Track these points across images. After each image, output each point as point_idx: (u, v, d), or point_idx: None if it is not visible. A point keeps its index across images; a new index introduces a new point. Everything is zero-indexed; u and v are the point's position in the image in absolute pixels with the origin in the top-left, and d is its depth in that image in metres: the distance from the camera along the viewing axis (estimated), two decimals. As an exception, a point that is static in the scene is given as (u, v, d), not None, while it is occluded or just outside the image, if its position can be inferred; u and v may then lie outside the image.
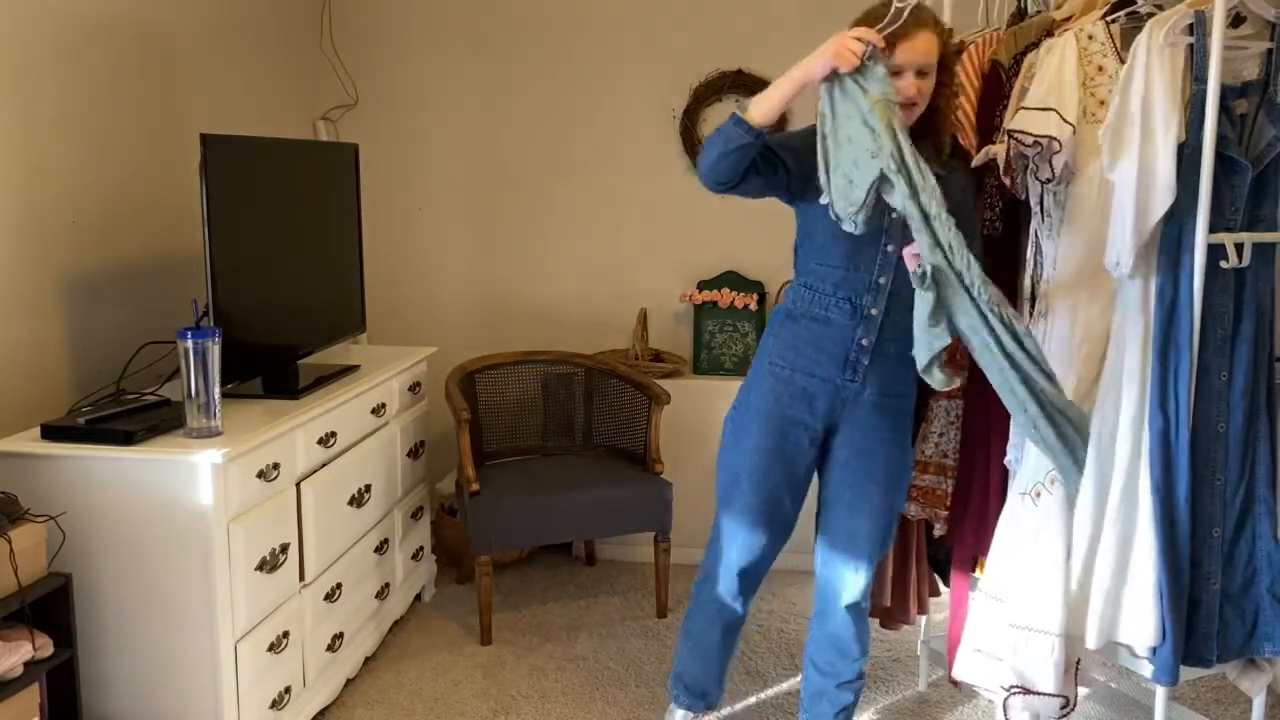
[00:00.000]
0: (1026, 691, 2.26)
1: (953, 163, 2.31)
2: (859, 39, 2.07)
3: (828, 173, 2.15)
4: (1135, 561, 2.18)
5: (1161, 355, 2.15)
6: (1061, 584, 2.22)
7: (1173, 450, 2.14)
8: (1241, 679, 2.32)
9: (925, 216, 2.06)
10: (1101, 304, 2.25)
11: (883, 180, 2.08)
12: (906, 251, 2.16)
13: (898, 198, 2.08)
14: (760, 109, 2.13)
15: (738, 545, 2.44)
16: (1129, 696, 2.88)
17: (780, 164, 2.25)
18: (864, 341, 2.31)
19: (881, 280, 2.28)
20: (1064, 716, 2.30)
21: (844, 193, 2.13)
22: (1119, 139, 2.10)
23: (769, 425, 2.37)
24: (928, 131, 2.26)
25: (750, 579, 2.49)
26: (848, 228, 2.16)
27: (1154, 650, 2.17)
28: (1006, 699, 2.30)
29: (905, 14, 2.12)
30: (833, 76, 2.11)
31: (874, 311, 2.30)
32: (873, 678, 3.06)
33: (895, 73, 2.16)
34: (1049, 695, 2.25)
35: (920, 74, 2.18)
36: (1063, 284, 2.28)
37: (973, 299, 2.07)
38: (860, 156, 2.09)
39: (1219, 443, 2.18)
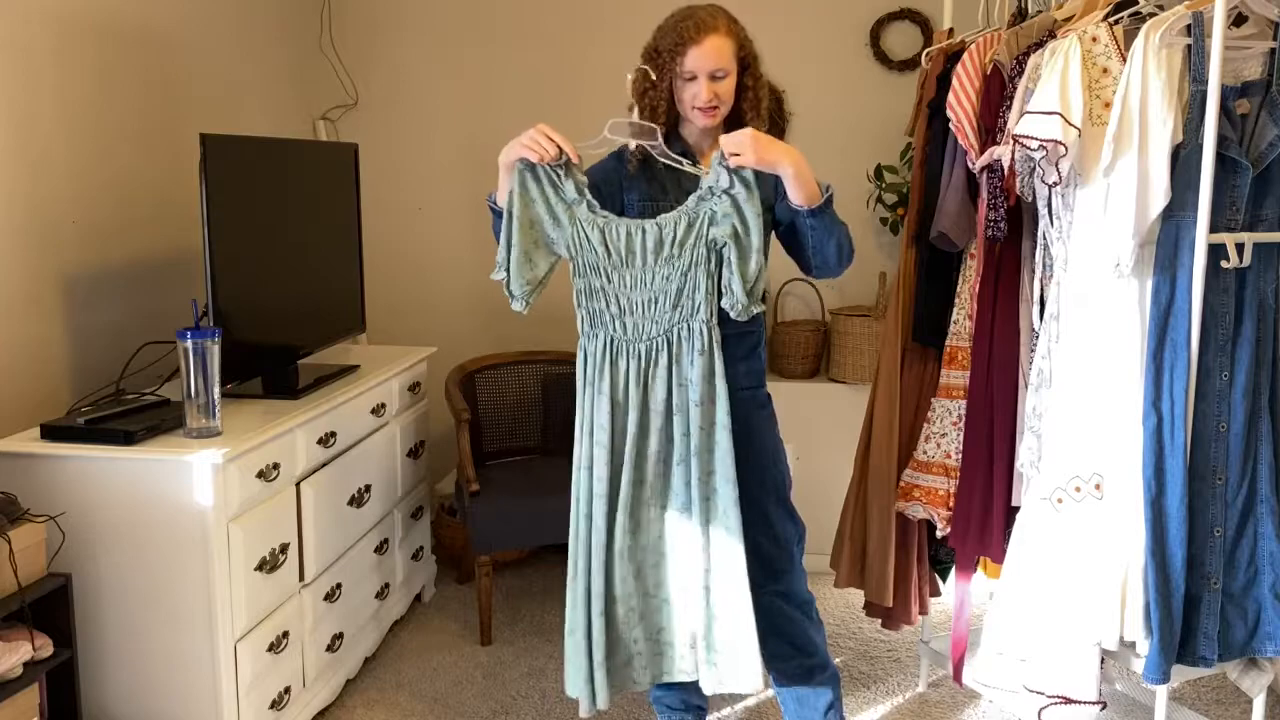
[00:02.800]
0: (1068, 701, 2.27)
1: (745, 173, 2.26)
2: (554, 142, 2.19)
3: (508, 249, 2.26)
4: (1131, 559, 2.18)
5: (1156, 355, 2.15)
6: (1098, 592, 2.21)
7: (1165, 449, 2.14)
8: (1242, 679, 2.32)
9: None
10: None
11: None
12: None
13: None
14: (502, 194, 2.29)
15: None
16: (1129, 696, 2.88)
17: None
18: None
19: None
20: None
21: (520, 270, 2.26)
22: (1117, 140, 2.11)
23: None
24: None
25: None
26: (517, 307, 2.29)
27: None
28: (1043, 709, 2.30)
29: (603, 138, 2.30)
30: (526, 162, 2.23)
31: None
32: (872, 677, 3.06)
33: (689, 78, 2.25)
34: (1090, 704, 2.26)
35: (714, 78, 2.23)
36: (1075, 287, 2.27)
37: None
38: (542, 238, 2.27)
39: (1220, 443, 2.18)
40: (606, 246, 2.23)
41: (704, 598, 2.27)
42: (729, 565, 2.26)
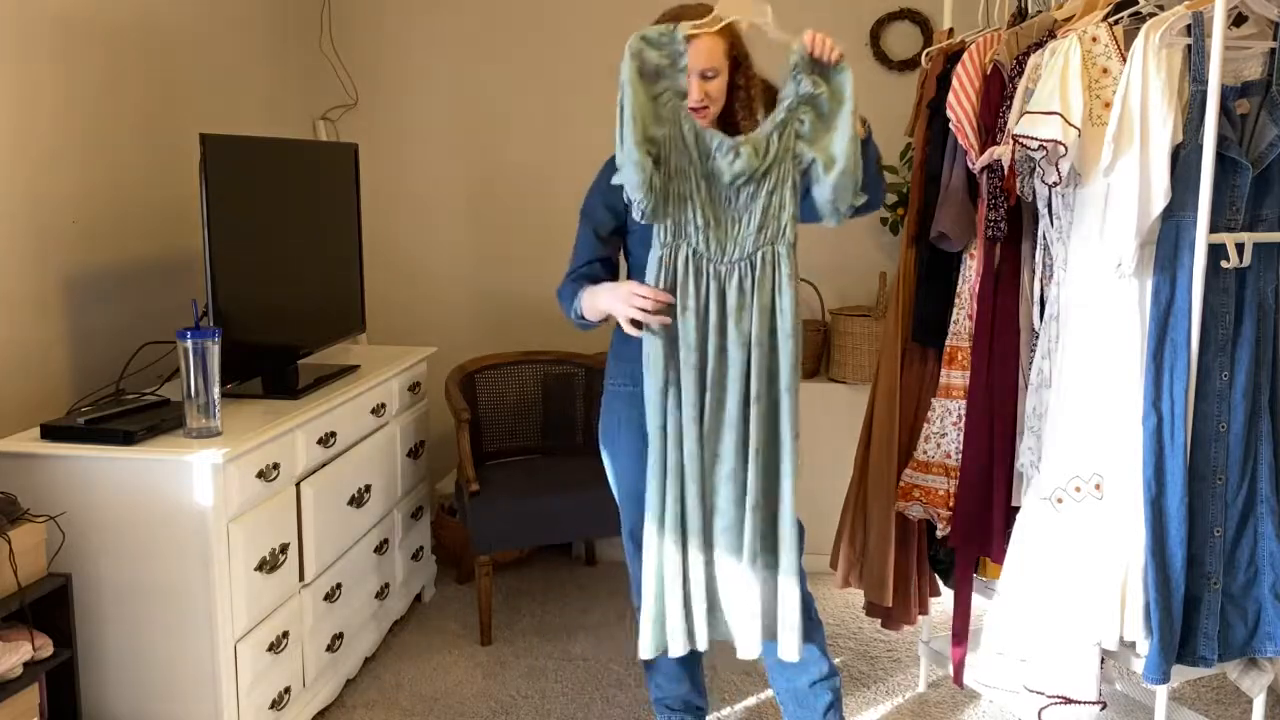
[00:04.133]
0: (1068, 701, 2.27)
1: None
2: (645, 299, 2.20)
3: (634, 161, 2.15)
4: (1131, 559, 2.18)
5: (1156, 355, 2.15)
6: (1098, 592, 2.21)
7: (1165, 448, 2.14)
8: (1242, 679, 2.32)
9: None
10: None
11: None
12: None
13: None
14: (590, 311, 2.37)
15: None
16: (1129, 696, 2.88)
17: (610, 255, 2.44)
18: None
19: None
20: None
21: (644, 175, 2.15)
22: (1117, 140, 2.11)
23: (634, 441, 2.39)
24: (725, 132, 2.28)
25: None
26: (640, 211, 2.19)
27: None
28: (1043, 709, 2.30)
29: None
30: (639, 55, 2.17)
31: None
32: (872, 677, 3.06)
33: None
34: (1090, 704, 2.26)
35: (706, 77, 2.23)
36: (1075, 286, 2.27)
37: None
38: (644, 138, 2.16)
39: (1220, 443, 2.18)
40: (699, 149, 2.17)
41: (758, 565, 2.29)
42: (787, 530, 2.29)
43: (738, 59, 2.29)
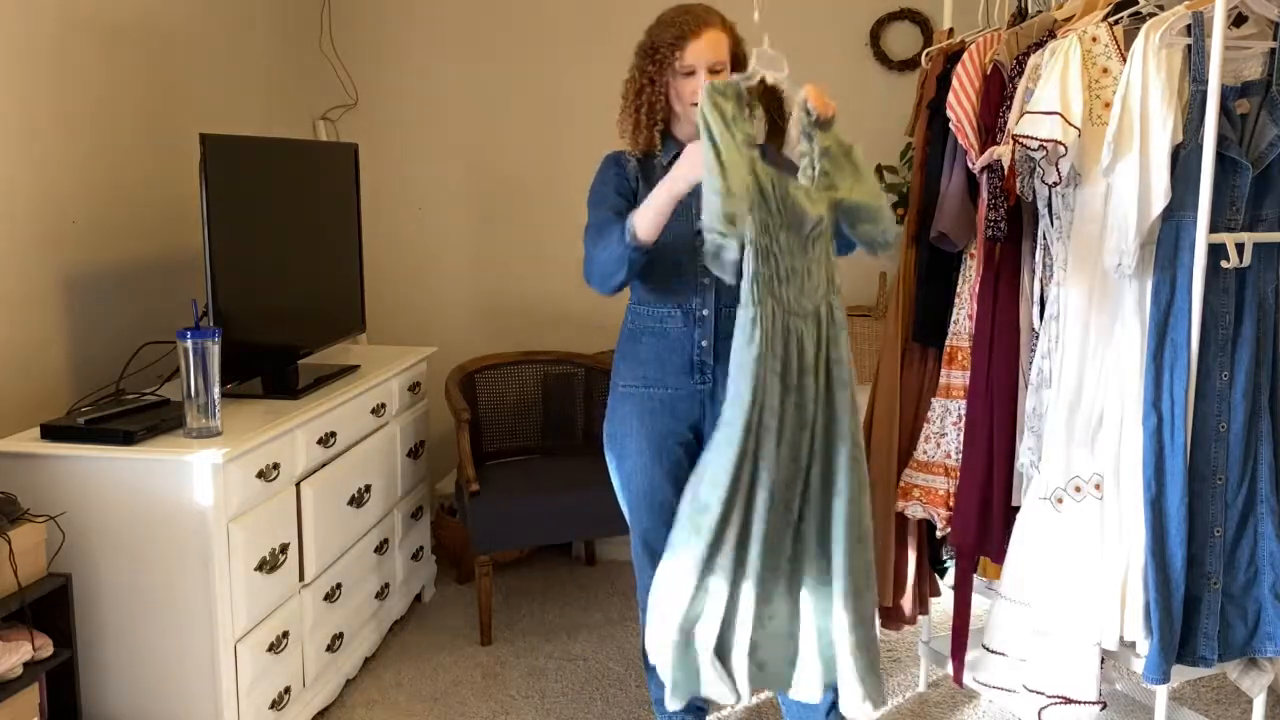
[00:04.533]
0: (1068, 701, 2.27)
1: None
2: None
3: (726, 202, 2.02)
4: (1131, 559, 2.18)
5: (1156, 355, 2.15)
6: (1098, 592, 2.21)
7: (1165, 448, 2.14)
8: (1242, 679, 2.32)
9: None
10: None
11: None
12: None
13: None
14: (646, 228, 2.16)
15: None
16: (1129, 696, 2.88)
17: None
18: (704, 343, 2.36)
19: (705, 280, 2.31)
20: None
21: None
22: (1117, 141, 2.11)
23: (644, 444, 2.38)
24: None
25: None
26: (730, 269, 2.05)
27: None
28: (1043, 709, 2.30)
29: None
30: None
31: (705, 313, 2.35)
32: (873, 678, 3.06)
33: (687, 73, 2.25)
34: (1090, 704, 2.26)
35: (712, 72, 2.25)
36: (1075, 286, 2.27)
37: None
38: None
39: (1220, 443, 2.18)
40: (778, 203, 2.08)
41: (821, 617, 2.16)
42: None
43: (738, 58, 2.31)
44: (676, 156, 2.31)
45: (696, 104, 2.20)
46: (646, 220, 2.17)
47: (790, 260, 2.09)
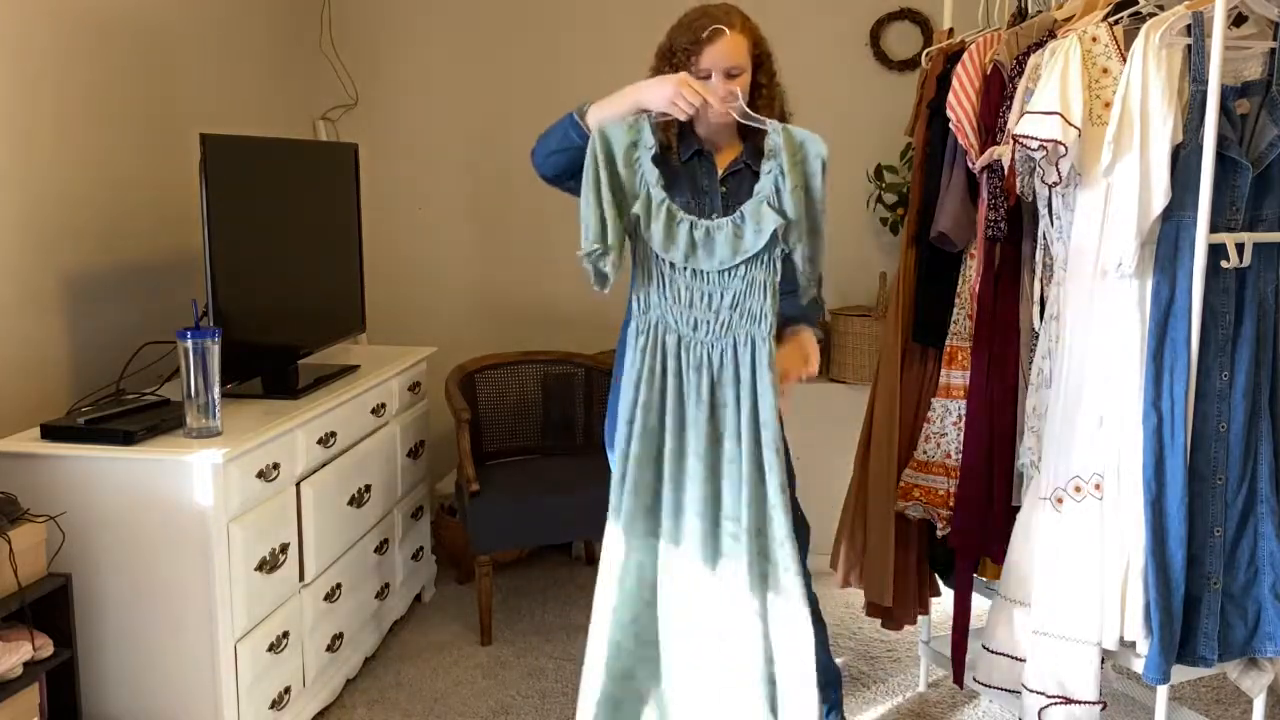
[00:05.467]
0: (1068, 701, 2.27)
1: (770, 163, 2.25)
2: (700, 94, 2.11)
3: (599, 212, 2.15)
4: (1131, 559, 2.18)
5: (1156, 355, 2.15)
6: (1098, 592, 2.21)
7: (1165, 448, 2.14)
8: (1242, 679, 2.32)
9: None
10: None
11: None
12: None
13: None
14: (597, 117, 2.18)
15: None
16: (1129, 696, 2.88)
17: None
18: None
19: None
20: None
21: (616, 232, 2.15)
22: (1117, 141, 2.11)
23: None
24: (748, 133, 2.28)
25: None
26: (604, 283, 2.17)
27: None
28: (1043, 709, 2.30)
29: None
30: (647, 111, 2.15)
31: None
32: (872, 678, 3.06)
33: (704, 76, 2.22)
34: (1090, 704, 2.25)
35: (730, 75, 2.22)
36: (1075, 286, 2.27)
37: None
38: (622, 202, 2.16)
39: (1220, 442, 2.18)
40: (687, 236, 2.14)
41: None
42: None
43: (760, 58, 2.29)
44: (695, 154, 2.31)
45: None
46: (602, 110, 2.19)
47: (690, 284, 2.14)
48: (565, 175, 2.26)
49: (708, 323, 2.15)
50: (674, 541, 2.20)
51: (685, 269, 2.15)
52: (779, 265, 2.14)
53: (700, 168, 2.32)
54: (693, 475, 2.17)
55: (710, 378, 2.16)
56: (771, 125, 2.14)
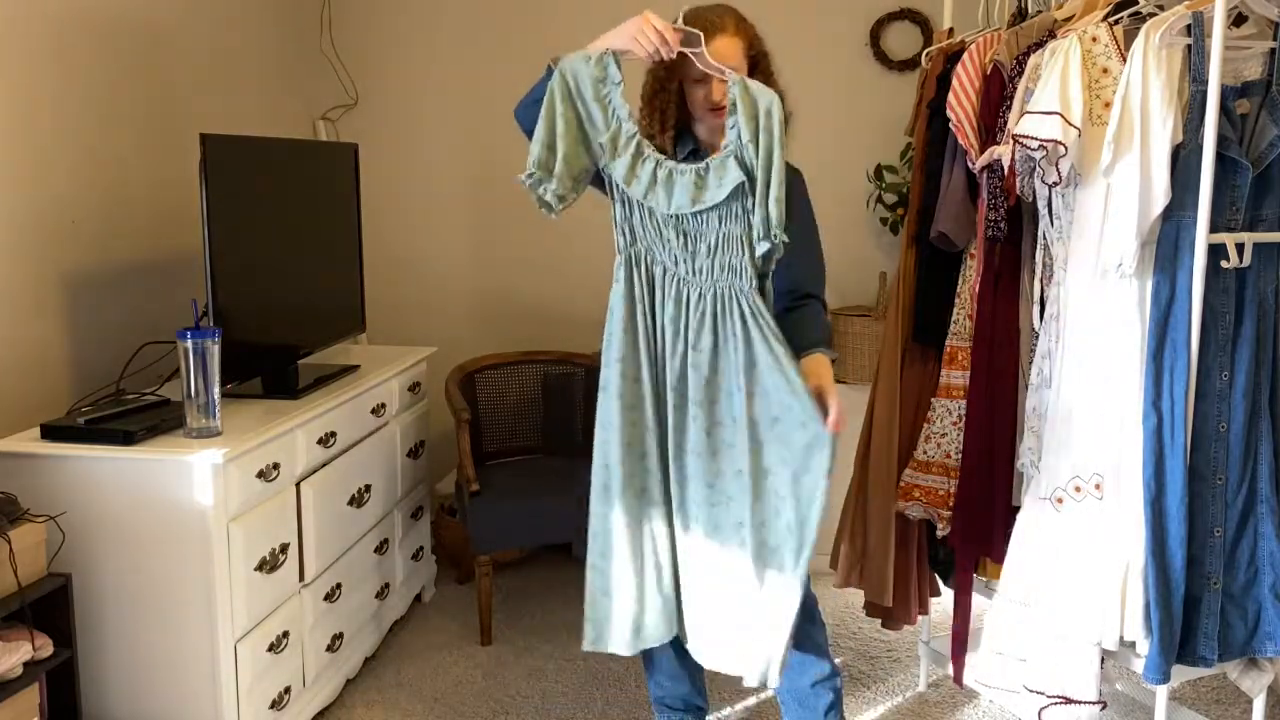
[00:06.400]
0: (1068, 701, 2.27)
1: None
2: (660, 34, 2.12)
3: (550, 140, 2.27)
4: (1131, 559, 2.18)
5: (1156, 355, 2.15)
6: (1098, 592, 2.21)
7: (1165, 448, 2.14)
8: (1243, 679, 2.32)
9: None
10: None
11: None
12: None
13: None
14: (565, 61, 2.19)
15: None
16: (1129, 696, 2.88)
17: None
18: None
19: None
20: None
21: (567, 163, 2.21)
22: (1117, 141, 2.11)
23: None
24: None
25: None
26: (551, 208, 2.24)
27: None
28: (1043, 709, 2.30)
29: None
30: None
31: None
32: (872, 677, 3.06)
33: (699, 80, 2.22)
34: (1090, 704, 2.25)
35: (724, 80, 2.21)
36: (1075, 286, 2.27)
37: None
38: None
39: (1220, 443, 2.18)
40: (642, 173, 2.18)
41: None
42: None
43: (756, 59, 2.29)
44: (691, 152, 2.31)
45: (712, 108, 2.24)
46: (571, 57, 2.21)
47: (665, 221, 2.19)
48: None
49: (686, 261, 2.20)
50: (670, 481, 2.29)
51: (645, 206, 2.19)
52: (752, 221, 2.15)
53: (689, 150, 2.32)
54: (684, 418, 2.25)
55: (697, 314, 2.20)
56: (731, 77, 2.14)
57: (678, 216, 2.17)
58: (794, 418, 2.16)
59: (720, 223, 2.16)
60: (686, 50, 2.18)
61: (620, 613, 2.35)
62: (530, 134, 2.29)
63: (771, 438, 2.19)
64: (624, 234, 2.24)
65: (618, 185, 2.20)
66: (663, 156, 2.18)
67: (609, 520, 2.32)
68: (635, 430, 2.26)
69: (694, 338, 2.20)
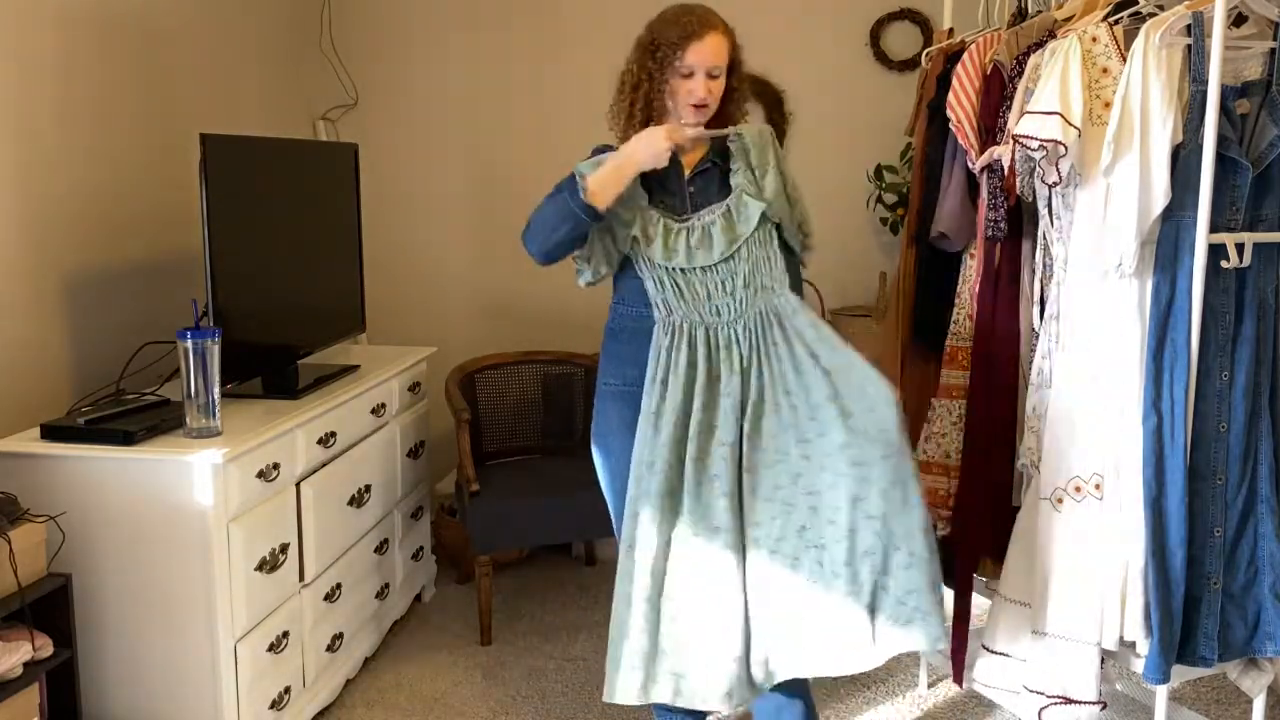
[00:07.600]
0: (1068, 701, 2.27)
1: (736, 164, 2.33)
2: (675, 138, 2.19)
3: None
4: (1131, 559, 2.18)
5: (1156, 355, 2.15)
6: (1098, 592, 2.21)
7: (1165, 448, 2.15)
8: (1242, 679, 2.33)
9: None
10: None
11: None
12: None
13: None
14: (605, 195, 2.20)
15: None
16: (1129, 696, 2.88)
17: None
18: None
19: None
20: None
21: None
22: (1117, 141, 2.11)
23: (628, 442, 2.35)
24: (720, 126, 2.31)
25: None
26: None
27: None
28: (1043, 709, 2.30)
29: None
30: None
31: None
32: (872, 677, 3.06)
33: (686, 74, 2.25)
34: (1090, 704, 2.26)
35: (711, 76, 2.25)
36: (1075, 286, 2.27)
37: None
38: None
39: (1220, 443, 2.18)
40: (678, 245, 2.26)
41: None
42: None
43: (734, 63, 2.30)
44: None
45: (694, 104, 2.25)
46: (606, 187, 2.20)
47: (703, 279, 2.25)
48: (571, 250, 2.33)
49: (729, 306, 2.25)
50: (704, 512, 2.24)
51: (692, 269, 2.25)
52: (774, 233, 2.27)
53: (669, 171, 2.32)
54: (722, 450, 2.23)
55: (741, 351, 2.24)
56: (731, 133, 2.28)
57: (712, 268, 2.24)
58: (852, 385, 2.16)
59: (749, 251, 2.24)
60: (698, 138, 2.27)
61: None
62: (553, 261, 2.39)
63: (829, 415, 2.19)
64: (659, 307, 2.28)
65: (657, 264, 2.26)
66: (688, 224, 2.26)
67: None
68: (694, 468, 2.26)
69: (737, 368, 2.24)
